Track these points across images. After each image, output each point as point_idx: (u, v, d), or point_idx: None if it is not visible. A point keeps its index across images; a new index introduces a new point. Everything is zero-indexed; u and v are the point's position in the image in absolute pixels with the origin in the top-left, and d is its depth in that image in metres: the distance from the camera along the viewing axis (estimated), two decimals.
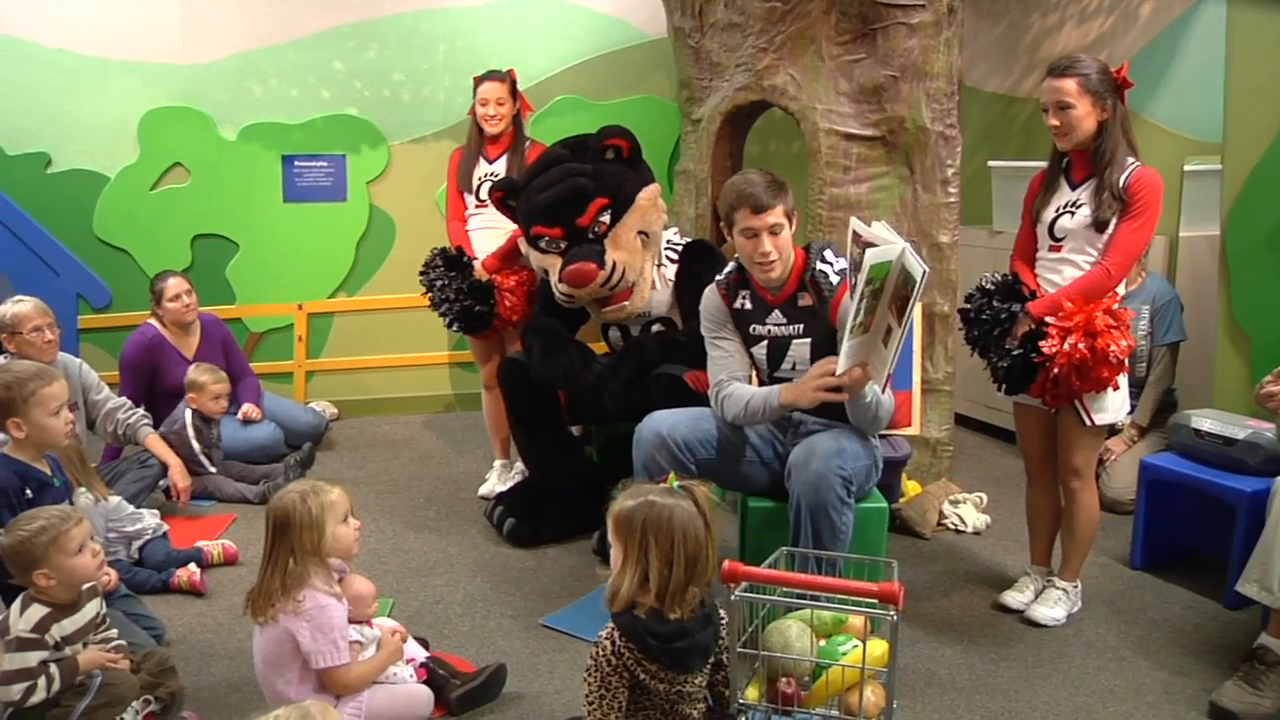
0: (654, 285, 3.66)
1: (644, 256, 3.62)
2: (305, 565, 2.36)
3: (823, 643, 2.24)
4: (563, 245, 3.57)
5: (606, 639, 2.10)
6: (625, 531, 2.10)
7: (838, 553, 2.62)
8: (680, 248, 3.74)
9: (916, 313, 2.75)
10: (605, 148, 3.61)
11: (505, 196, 3.77)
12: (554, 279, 3.60)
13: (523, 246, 3.80)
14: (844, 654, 2.17)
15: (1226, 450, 3.26)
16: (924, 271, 2.40)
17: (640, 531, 2.07)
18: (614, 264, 3.51)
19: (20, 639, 2.32)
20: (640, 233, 3.60)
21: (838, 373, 2.65)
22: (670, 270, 3.70)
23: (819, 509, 2.68)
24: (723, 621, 2.21)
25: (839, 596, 2.17)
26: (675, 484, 2.16)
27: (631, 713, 2.12)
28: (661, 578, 2.06)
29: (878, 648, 2.19)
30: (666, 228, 3.79)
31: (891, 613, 2.05)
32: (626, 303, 3.60)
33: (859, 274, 2.48)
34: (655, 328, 3.71)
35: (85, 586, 2.49)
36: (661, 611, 2.06)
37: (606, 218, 3.54)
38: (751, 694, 2.20)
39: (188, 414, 4.16)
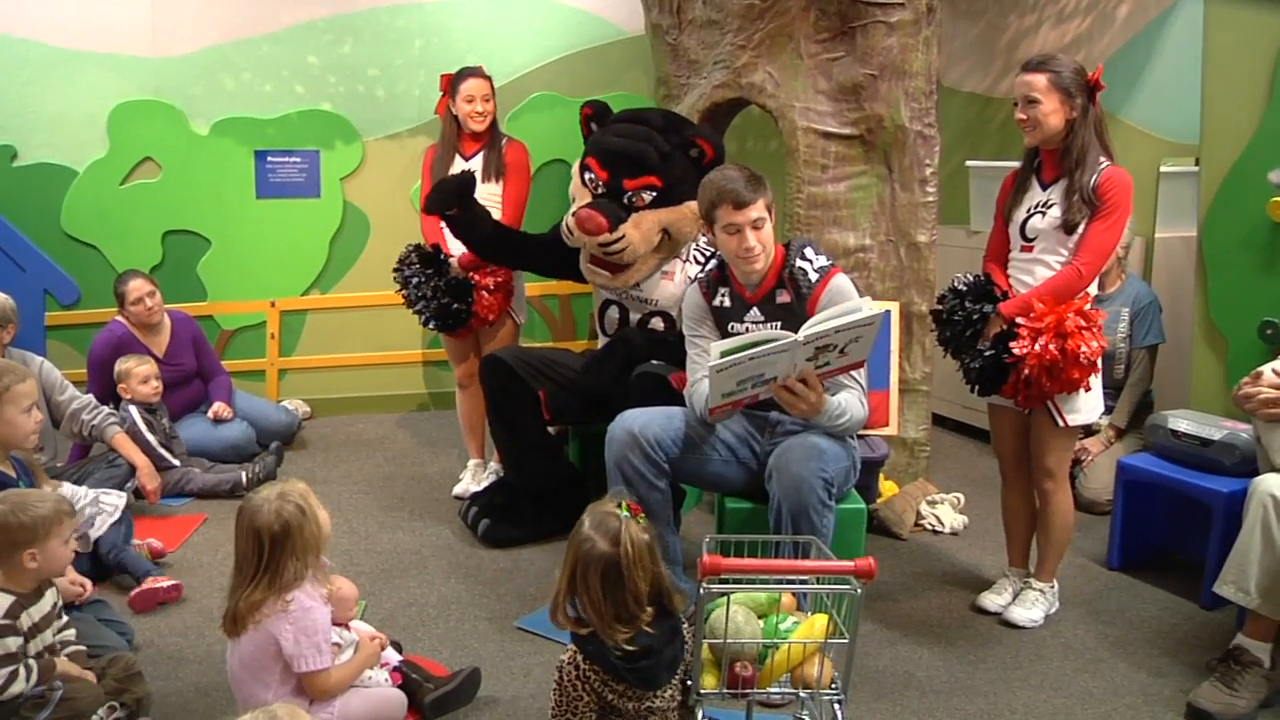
0: (673, 278, 3.66)
1: (654, 251, 3.61)
2: (305, 561, 2.29)
3: (761, 623, 2.26)
4: (600, 189, 3.61)
5: (570, 663, 2.08)
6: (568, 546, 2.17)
7: (760, 536, 2.57)
8: (710, 253, 3.72)
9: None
10: (692, 143, 3.61)
11: (593, 116, 3.81)
12: (573, 209, 3.64)
13: (575, 172, 3.80)
14: (788, 632, 2.22)
15: (1203, 451, 3.26)
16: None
17: (573, 554, 2.15)
18: (623, 236, 3.53)
19: None
20: (664, 230, 3.61)
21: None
22: (694, 270, 3.68)
23: (800, 511, 2.67)
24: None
25: (802, 577, 2.20)
26: (625, 512, 2.18)
27: None
28: (591, 603, 2.12)
29: (819, 621, 2.22)
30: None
31: (858, 588, 2.07)
32: (610, 275, 3.63)
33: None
34: (655, 320, 3.71)
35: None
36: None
37: (649, 197, 3.56)
38: (709, 682, 2.19)
39: (131, 409, 4.09)
